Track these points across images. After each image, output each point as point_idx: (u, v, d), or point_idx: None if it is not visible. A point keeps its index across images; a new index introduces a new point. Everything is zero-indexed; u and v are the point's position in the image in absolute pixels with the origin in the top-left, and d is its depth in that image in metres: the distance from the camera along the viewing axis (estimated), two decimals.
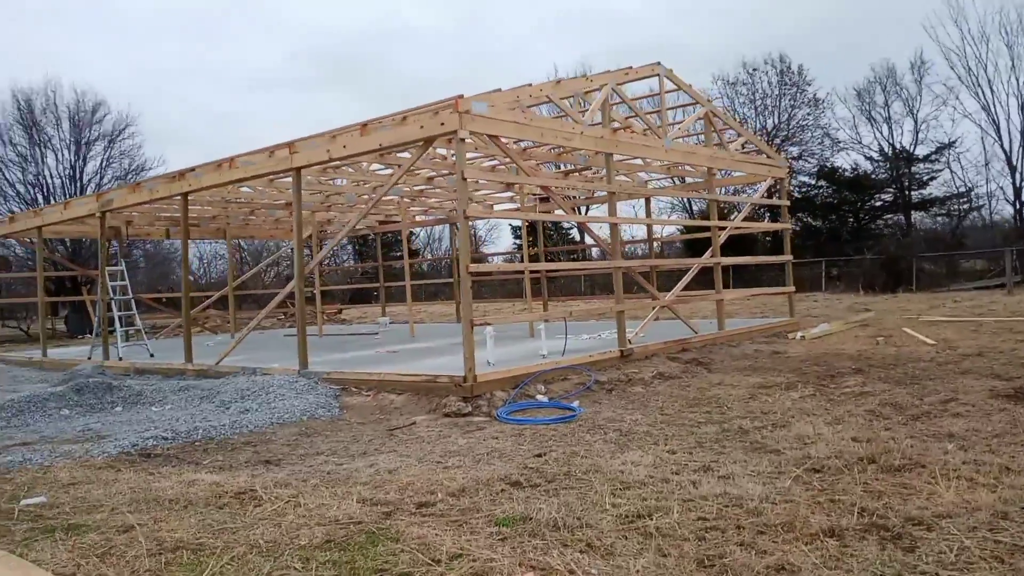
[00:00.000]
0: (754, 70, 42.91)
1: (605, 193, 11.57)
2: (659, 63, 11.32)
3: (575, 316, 11.85)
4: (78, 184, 31.84)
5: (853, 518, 4.08)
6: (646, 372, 9.66)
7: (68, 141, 32.14)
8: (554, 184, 10.38)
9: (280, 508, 4.91)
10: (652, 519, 4.29)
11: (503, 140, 9.03)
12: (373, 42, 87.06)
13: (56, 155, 32.11)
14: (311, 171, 11.48)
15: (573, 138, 9.63)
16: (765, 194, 14.36)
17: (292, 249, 11.82)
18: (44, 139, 31.58)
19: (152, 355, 13.87)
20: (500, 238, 58.01)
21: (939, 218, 39.91)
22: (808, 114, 42.25)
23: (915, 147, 40.14)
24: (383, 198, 13.72)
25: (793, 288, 15.09)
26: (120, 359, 13.80)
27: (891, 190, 39.84)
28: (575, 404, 7.90)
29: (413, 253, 51.91)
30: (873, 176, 39.70)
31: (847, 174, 39.43)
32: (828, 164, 41.01)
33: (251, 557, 4.05)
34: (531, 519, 4.39)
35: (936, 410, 6.70)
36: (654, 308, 11.64)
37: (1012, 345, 10.68)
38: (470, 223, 9.96)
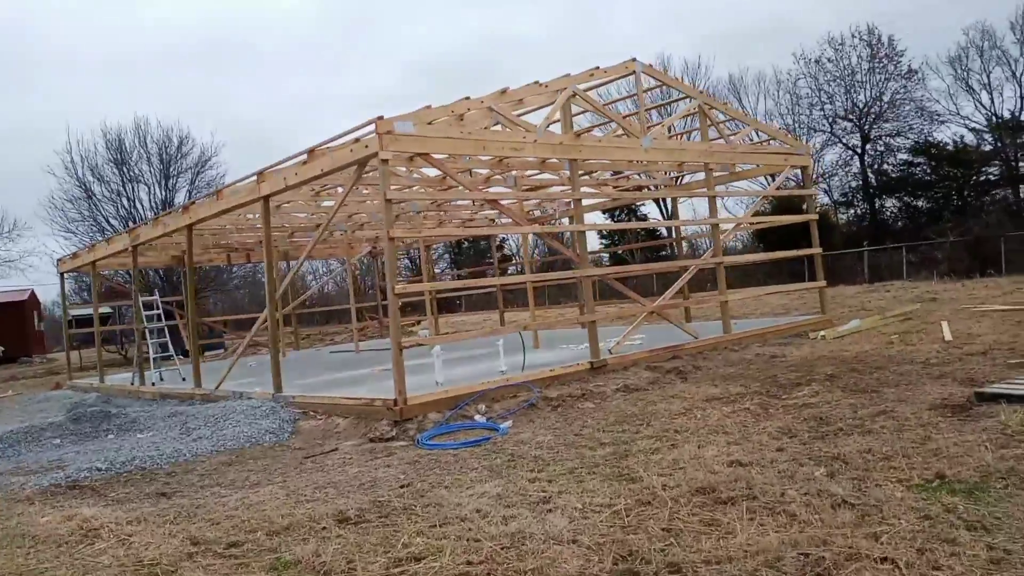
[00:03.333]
0: (841, 44, 40.62)
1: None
2: (634, 59, 10.84)
3: (546, 325, 11.48)
4: None
5: (607, 563, 3.74)
6: (611, 385, 9.27)
7: (158, 175, 34.32)
8: (501, 199, 10.09)
9: (107, 547, 4.98)
10: (422, 562, 4.09)
11: (438, 157, 8.86)
12: (485, 52, 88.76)
13: (148, 189, 34.36)
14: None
15: (524, 147, 9.35)
16: (782, 185, 13.48)
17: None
18: (135, 174, 33.86)
19: (184, 379, 14.50)
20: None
21: None
22: (902, 87, 39.53)
23: (1022, 113, 36.83)
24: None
25: (823, 283, 14.14)
26: (153, 384, 14.53)
27: (998, 163, 36.75)
28: (504, 424, 7.67)
29: (505, 259, 52.21)
30: (977, 149, 36.67)
31: (948, 148, 36.61)
32: (926, 139, 38.23)
33: None
34: (309, 564, 4.27)
35: (856, 426, 6.08)
36: (639, 316, 11.13)
37: None
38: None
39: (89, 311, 15.57)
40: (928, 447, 5.23)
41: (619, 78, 10.85)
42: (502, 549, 4.12)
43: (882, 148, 39.79)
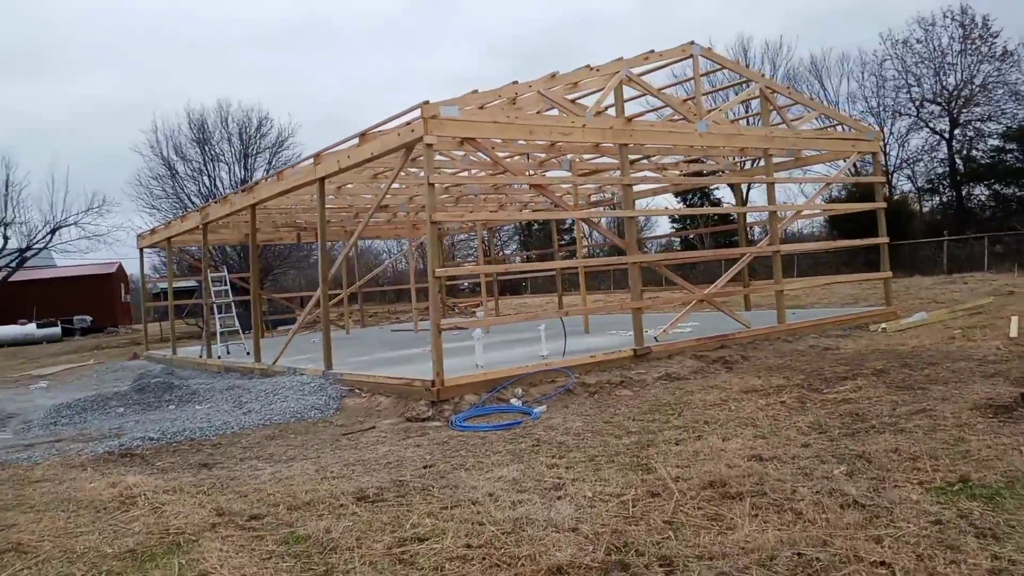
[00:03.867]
0: (931, 24, 38.73)
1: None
2: (692, 42, 10.60)
3: (591, 311, 11.36)
4: None
5: (600, 553, 3.75)
6: (653, 373, 9.19)
7: (237, 155, 35.41)
8: (547, 183, 10.01)
9: (140, 514, 5.25)
10: (424, 544, 4.19)
11: (488, 142, 8.87)
12: (566, 34, 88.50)
13: (228, 168, 35.50)
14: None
15: (572, 132, 9.29)
16: (855, 172, 13.00)
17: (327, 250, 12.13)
18: (216, 154, 35.04)
19: (229, 353, 15.02)
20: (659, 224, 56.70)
21: None
22: (995, 70, 37.46)
23: None
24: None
25: (889, 273, 13.63)
26: (219, 357, 15.12)
27: None
28: (538, 409, 7.71)
29: (574, 242, 52.26)
30: None
31: None
32: (1020, 124, 36.12)
33: (53, 563, 4.40)
34: (318, 540, 4.41)
35: (891, 424, 5.89)
36: (689, 303, 10.93)
37: None
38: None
39: (217, 280, 16.26)
40: (959, 449, 5.03)
41: (675, 62, 10.63)
42: (503, 534, 4.18)
43: (972, 133, 37.89)
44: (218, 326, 15.52)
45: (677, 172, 15.53)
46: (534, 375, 8.79)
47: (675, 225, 44.95)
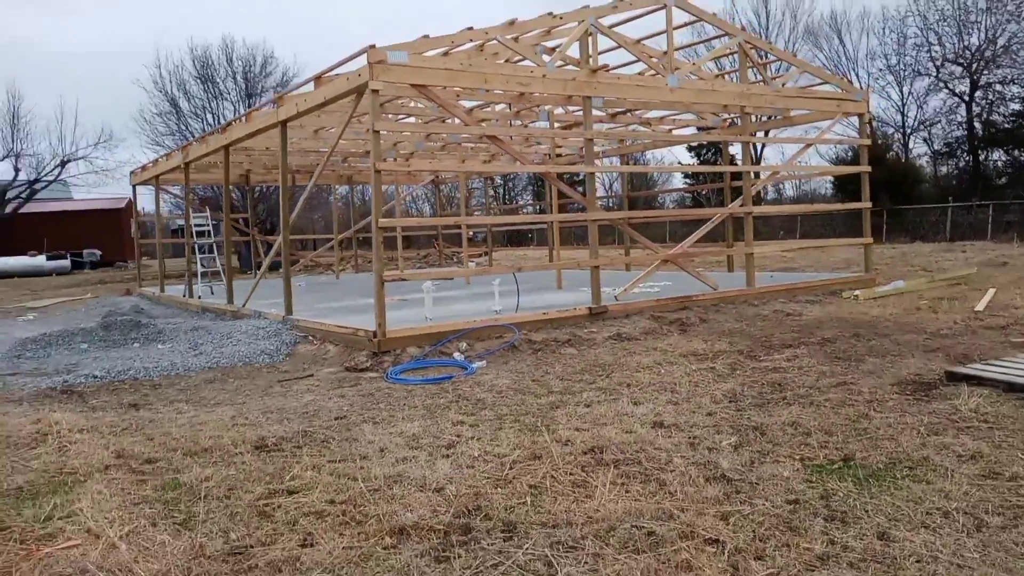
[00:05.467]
0: None
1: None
2: None
3: (545, 267, 11.17)
4: None
5: (449, 515, 3.74)
6: (604, 332, 9.13)
7: (241, 93, 35.18)
8: (502, 133, 9.81)
9: (44, 452, 5.31)
10: (291, 497, 4.21)
11: (438, 89, 8.68)
12: None
13: (233, 106, 35.30)
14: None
15: (532, 82, 9.06)
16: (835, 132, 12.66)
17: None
18: (220, 91, 34.84)
19: (212, 293, 15.13)
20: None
21: None
22: (1021, 30, 36.16)
23: None
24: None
25: (870, 239, 13.36)
26: (199, 297, 15.22)
27: None
28: (476, 364, 7.69)
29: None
30: None
31: None
32: None
33: None
34: (193, 487, 4.44)
35: (804, 395, 5.81)
36: (653, 263, 10.79)
37: None
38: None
39: (199, 220, 16.34)
40: (858, 426, 4.95)
41: (647, 12, 10.26)
42: (370, 491, 4.18)
43: (993, 97, 36.81)
44: (198, 266, 15.58)
45: (667, 128, 15.24)
46: (481, 330, 8.75)
47: (687, 180, 44.46)
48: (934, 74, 37.43)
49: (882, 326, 8.91)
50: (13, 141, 39.59)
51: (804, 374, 6.58)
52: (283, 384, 7.57)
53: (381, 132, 8.64)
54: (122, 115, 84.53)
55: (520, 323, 9.05)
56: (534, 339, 8.73)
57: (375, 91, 7.93)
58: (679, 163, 45.24)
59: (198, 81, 34.75)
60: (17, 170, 40.29)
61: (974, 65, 36.18)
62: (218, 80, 34.97)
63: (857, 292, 11.98)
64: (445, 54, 8.97)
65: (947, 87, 37.29)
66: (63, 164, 40.25)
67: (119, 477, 4.74)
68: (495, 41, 9.11)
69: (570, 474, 4.29)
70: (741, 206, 11.39)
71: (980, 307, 9.85)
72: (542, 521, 3.66)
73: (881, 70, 39.50)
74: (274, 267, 28.16)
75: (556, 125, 12.96)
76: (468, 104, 11.85)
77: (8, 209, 39.91)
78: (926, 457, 4.29)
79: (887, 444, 4.56)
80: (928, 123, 38.26)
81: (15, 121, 39.39)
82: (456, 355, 8.23)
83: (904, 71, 37.87)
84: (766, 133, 24.41)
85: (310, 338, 9.58)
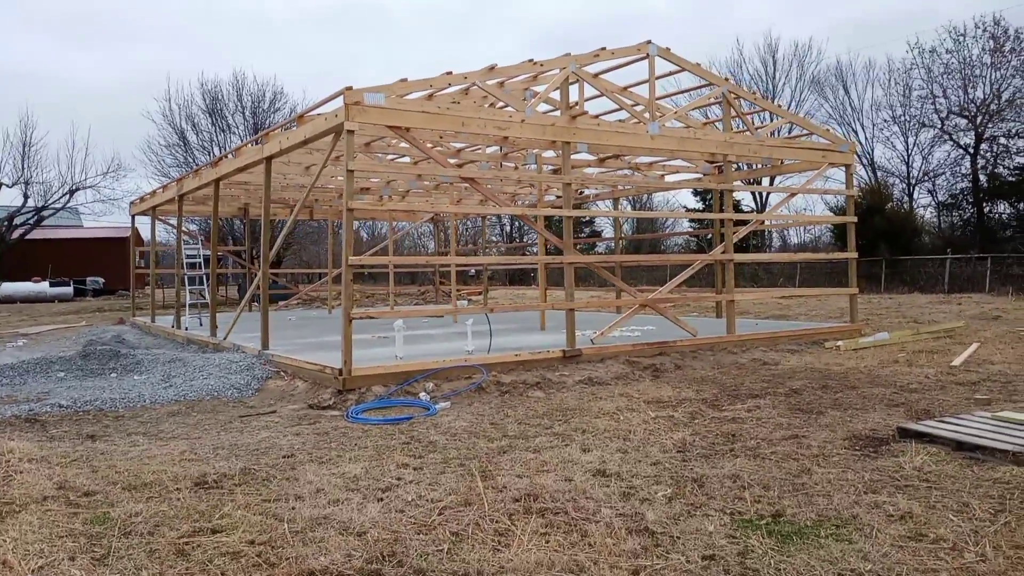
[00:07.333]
0: (962, 35, 37.77)
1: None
2: (649, 41, 10.40)
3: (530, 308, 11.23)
4: None
5: (361, 561, 3.71)
6: (576, 376, 9.11)
7: (249, 128, 35.68)
8: (479, 176, 9.87)
9: None
10: (214, 536, 4.19)
11: (416, 132, 8.79)
12: (612, 27, 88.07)
13: (240, 140, 35.80)
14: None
15: (510, 127, 9.18)
16: (820, 183, 12.73)
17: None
18: (227, 125, 35.37)
19: (201, 324, 15.19)
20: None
21: None
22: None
23: None
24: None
25: (855, 289, 13.36)
26: (186, 328, 15.28)
27: None
28: (439, 406, 7.68)
29: (595, 235, 52.20)
30: None
31: None
32: None
33: None
34: (122, 523, 4.43)
35: (753, 448, 5.77)
36: (631, 308, 10.79)
37: None
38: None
39: (191, 252, 16.49)
40: (797, 481, 4.91)
41: (630, 62, 10.41)
42: (291, 533, 4.16)
43: (998, 149, 36.94)
44: (187, 297, 15.67)
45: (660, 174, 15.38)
46: (451, 370, 8.75)
47: (692, 224, 44.57)
48: (939, 126, 37.66)
49: (853, 378, 8.86)
50: (24, 168, 40.17)
51: (760, 425, 6.54)
52: (243, 420, 7.56)
53: (362, 171, 8.75)
54: (130, 145, 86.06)
55: (492, 364, 9.04)
56: (503, 381, 8.71)
57: (351, 132, 8.05)
58: (684, 208, 45.44)
59: (207, 114, 35.32)
60: (26, 197, 40.83)
61: (979, 118, 36.40)
62: (227, 114, 35.59)
63: (840, 342, 11.93)
64: (429, 97, 9.12)
65: (951, 139, 37.49)
66: (72, 192, 40.79)
67: (54, 509, 4.73)
68: (476, 85, 9.24)
69: (495, 522, 4.26)
70: (723, 253, 11.42)
71: (957, 362, 9.79)
72: (453, 570, 3.63)
73: (886, 121, 39.68)
74: (272, 300, 27.99)
75: (546, 168, 13.08)
76: (457, 146, 12.01)
77: (15, 235, 40.35)
78: (855, 515, 4.24)
79: (820, 500, 4.52)
80: (933, 174, 38.38)
81: (26, 149, 40.01)
82: (422, 395, 8.22)
83: (909, 122, 38.13)
84: (771, 180, 24.67)
85: (281, 373, 9.59)
